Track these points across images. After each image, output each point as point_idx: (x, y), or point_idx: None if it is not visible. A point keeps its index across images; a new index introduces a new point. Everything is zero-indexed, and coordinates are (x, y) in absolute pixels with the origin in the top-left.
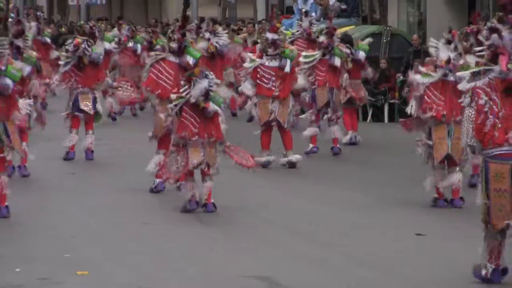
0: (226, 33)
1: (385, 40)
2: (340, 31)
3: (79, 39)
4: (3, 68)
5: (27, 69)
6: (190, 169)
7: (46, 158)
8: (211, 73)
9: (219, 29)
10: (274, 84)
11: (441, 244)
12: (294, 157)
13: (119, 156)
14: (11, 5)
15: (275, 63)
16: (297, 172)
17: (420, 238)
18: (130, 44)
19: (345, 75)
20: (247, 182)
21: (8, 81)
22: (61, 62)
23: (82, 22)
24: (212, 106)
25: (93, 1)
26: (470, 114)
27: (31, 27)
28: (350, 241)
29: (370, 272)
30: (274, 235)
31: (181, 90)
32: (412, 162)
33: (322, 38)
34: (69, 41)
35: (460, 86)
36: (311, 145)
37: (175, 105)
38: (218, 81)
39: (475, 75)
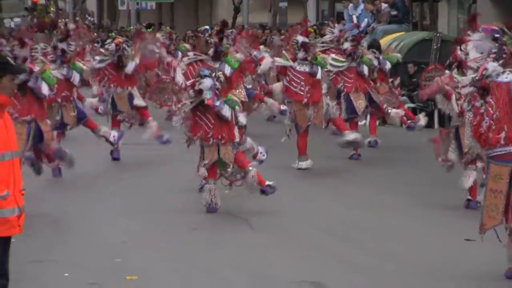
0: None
1: (435, 46)
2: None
3: (120, 39)
4: (36, 69)
5: (77, 77)
6: (206, 167)
7: (94, 162)
8: (216, 71)
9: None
10: (302, 89)
11: (492, 250)
12: (304, 163)
13: (164, 159)
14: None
15: (305, 68)
16: (339, 176)
17: (469, 244)
18: (172, 52)
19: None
20: (289, 186)
21: (44, 85)
22: (96, 58)
23: (131, 27)
24: (226, 110)
25: (143, 6)
26: (470, 117)
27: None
28: (400, 248)
29: (421, 281)
30: (324, 241)
31: (190, 92)
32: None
33: (346, 45)
34: (109, 41)
35: (463, 91)
36: (353, 151)
37: (190, 103)
38: (222, 78)
39: (475, 81)
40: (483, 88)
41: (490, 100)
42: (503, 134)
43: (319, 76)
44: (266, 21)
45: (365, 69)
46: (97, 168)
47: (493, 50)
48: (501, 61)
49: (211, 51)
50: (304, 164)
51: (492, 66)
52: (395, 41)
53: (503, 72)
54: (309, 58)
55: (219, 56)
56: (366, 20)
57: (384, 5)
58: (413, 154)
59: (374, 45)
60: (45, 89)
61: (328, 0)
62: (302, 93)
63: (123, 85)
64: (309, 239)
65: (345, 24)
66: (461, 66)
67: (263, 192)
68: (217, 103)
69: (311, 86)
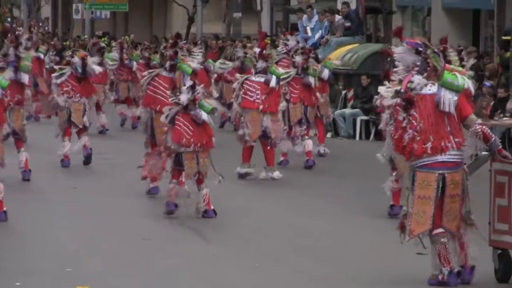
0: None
1: (389, 59)
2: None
3: (83, 52)
4: None
5: (25, 77)
6: (187, 179)
7: (47, 170)
8: (197, 83)
9: (194, 48)
10: (258, 97)
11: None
12: (275, 174)
13: (120, 169)
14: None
15: (261, 79)
16: (289, 186)
17: (421, 257)
18: (126, 62)
19: (319, 95)
20: (238, 196)
21: None
22: (54, 74)
23: (85, 36)
24: (202, 114)
25: (97, 16)
26: (391, 130)
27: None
28: (351, 256)
29: None
30: (276, 250)
31: (170, 100)
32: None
33: (297, 59)
34: (69, 53)
35: (384, 102)
36: (282, 158)
37: (168, 114)
38: (202, 90)
39: (398, 93)
40: (408, 100)
41: (414, 113)
42: (429, 145)
43: (272, 84)
44: (220, 32)
45: (312, 81)
46: (49, 175)
47: (417, 63)
48: (425, 74)
49: (167, 64)
50: (243, 170)
51: (417, 79)
52: (348, 53)
53: (426, 85)
54: (265, 67)
55: (174, 68)
56: (320, 31)
57: (338, 17)
58: (362, 165)
59: (313, 56)
60: None
61: (282, 11)
62: (259, 101)
63: (86, 94)
64: (261, 249)
65: (298, 35)
66: (387, 77)
67: (205, 213)
68: (193, 111)
69: (267, 95)
